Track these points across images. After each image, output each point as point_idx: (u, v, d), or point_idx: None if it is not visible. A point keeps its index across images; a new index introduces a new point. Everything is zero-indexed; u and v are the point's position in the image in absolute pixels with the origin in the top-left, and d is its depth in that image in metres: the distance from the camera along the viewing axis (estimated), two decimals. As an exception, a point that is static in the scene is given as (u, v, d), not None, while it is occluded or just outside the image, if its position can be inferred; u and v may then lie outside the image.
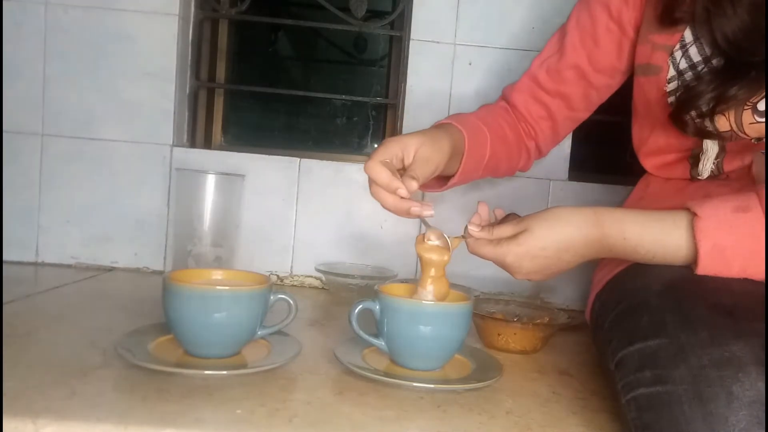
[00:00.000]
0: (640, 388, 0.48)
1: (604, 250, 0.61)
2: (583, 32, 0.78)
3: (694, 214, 0.56)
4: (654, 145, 0.75)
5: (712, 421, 0.42)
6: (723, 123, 0.64)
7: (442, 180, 0.76)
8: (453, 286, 0.67)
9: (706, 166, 0.69)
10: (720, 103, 0.62)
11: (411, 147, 0.65)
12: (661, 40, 0.69)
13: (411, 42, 1.05)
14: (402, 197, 0.62)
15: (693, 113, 0.64)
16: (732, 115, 0.63)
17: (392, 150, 0.64)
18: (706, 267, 0.55)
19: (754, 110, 0.62)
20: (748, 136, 0.64)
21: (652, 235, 0.58)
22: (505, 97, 0.86)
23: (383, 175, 0.62)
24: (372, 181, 0.64)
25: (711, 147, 0.68)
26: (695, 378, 0.44)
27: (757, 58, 0.60)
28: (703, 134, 0.66)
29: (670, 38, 0.68)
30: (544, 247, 0.61)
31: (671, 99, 0.68)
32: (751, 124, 0.63)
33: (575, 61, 0.79)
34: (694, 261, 0.56)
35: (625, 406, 0.50)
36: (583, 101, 0.82)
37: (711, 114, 0.63)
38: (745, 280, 0.55)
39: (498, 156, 0.79)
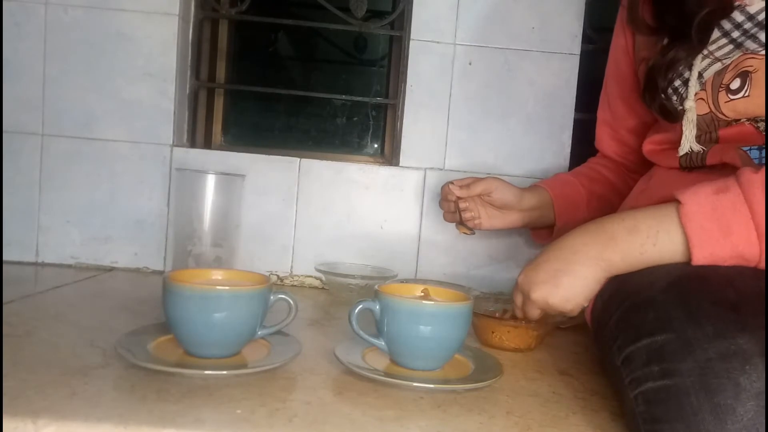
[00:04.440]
0: (647, 382, 0.49)
1: (605, 241, 0.62)
2: (614, 76, 0.88)
3: (679, 202, 0.58)
4: (654, 137, 0.79)
5: (720, 412, 0.43)
6: (702, 107, 0.69)
7: (550, 230, 0.92)
8: (453, 286, 0.67)
9: (684, 147, 0.70)
10: (669, 68, 0.69)
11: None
12: (648, 55, 0.75)
13: (411, 42, 1.05)
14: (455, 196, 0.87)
15: (662, 90, 0.70)
16: (709, 98, 0.68)
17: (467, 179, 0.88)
18: (701, 250, 0.56)
19: (728, 90, 0.67)
20: (726, 116, 0.67)
21: (648, 214, 0.60)
22: (597, 149, 0.97)
23: (444, 189, 0.89)
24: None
25: (688, 126, 0.70)
26: (702, 370, 0.45)
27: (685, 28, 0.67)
28: (666, 113, 0.71)
29: (654, 52, 0.73)
30: (544, 252, 0.66)
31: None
32: (726, 102, 0.67)
33: (618, 96, 0.88)
34: (688, 248, 0.57)
35: (633, 401, 0.51)
36: (646, 128, 0.86)
37: (666, 80, 0.69)
38: (748, 275, 0.55)
39: (601, 194, 0.91)
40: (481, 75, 1.06)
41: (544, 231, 0.95)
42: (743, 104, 0.66)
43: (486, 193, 0.87)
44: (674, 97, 0.70)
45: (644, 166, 0.90)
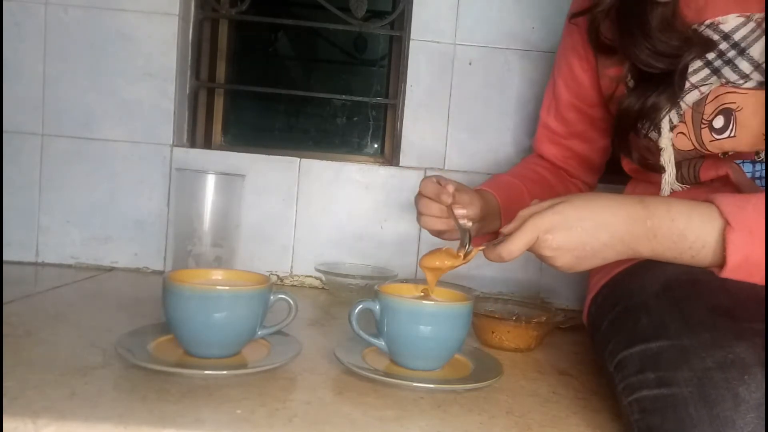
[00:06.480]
0: (643, 390, 0.48)
1: (647, 235, 0.55)
2: (565, 77, 0.83)
3: (727, 223, 0.52)
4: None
5: (719, 424, 0.42)
6: (684, 142, 0.66)
7: (492, 237, 0.79)
8: (453, 286, 0.67)
9: (665, 189, 0.68)
10: (645, 116, 0.65)
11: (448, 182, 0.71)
12: (613, 72, 0.72)
13: (411, 42, 1.05)
14: (447, 204, 0.68)
15: (633, 134, 0.67)
16: (692, 134, 0.65)
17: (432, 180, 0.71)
18: (731, 278, 0.53)
19: (711, 128, 0.64)
20: (711, 152, 0.65)
21: (698, 222, 0.53)
22: (533, 149, 0.92)
23: (431, 186, 0.70)
24: (420, 195, 0.72)
25: (667, 168, 0.67)
26: (700, 380, 0.44)
27: (667, 67, 0.62)
28: (646, 165, 0.68)
29: (620, 69, 0.70)
30: (583, 218, 0.55)
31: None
32: (711, 141, 0.64)
33: (570, 103, 0.83)
34: (719, 266, 0.54)
35: (627, 408, 0.50)
36: (595, 132, 0.85)
37: (637, 126, 0.65)
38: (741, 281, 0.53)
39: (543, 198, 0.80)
40: (481, 75, 1.06)
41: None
42: (730, 144, 0.63)
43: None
44: (653, 134, 0.66)
45: (586, 172, 0.88)
